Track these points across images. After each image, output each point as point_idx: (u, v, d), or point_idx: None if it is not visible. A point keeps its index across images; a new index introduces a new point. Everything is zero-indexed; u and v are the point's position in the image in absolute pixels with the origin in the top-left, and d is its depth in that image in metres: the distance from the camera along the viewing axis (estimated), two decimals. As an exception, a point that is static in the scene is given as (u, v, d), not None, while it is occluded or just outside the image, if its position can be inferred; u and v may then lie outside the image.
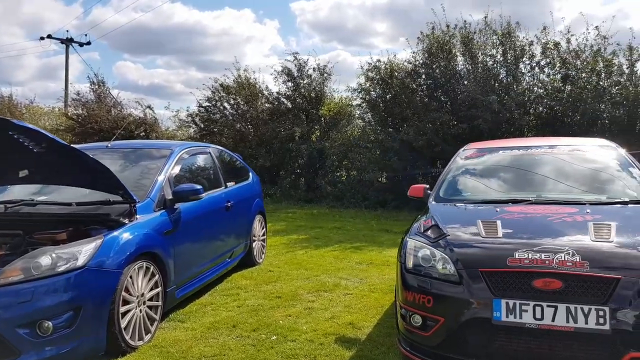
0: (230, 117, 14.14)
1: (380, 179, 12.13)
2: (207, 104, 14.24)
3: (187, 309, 4.61)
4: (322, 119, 13.20)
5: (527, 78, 10.44)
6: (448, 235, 3.33)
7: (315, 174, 13.16)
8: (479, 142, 5.20)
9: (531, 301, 2.78)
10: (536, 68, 10.32)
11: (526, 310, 2.78)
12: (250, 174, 6.77)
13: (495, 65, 10.48)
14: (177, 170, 4.73)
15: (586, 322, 2.67)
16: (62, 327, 3.18)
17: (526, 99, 10.24)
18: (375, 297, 4.91)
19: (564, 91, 9.90)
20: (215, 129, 14.27)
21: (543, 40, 10.24)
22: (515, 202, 3.79)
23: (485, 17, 10.48)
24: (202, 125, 14.45)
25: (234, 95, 14.02)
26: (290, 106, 13.57)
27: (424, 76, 11.01)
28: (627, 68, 9.44)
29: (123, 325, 3.52)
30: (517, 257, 2.95)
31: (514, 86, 10.29)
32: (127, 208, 3.89)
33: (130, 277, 3.63)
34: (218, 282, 5.43)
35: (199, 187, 4.53)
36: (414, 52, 10.99)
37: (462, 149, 4.90)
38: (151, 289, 3.91)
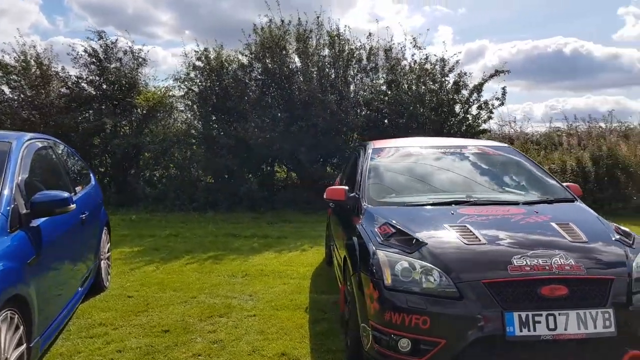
0: (12, 103, 11.26)
1: (206, 178, 11.19)
2: (-24, 85, 11.08)
3: (46, 366, 3.29)
4: (137, 110, 11.52)
5: (356, 81, 10.84)
6: (426, 244, 2.97)
7: (127, 174, 11.46)
8: (382, 141, 5.01)
9: (543, 311, 2.62)
10: (363, 72, 10.79)
11: (539, 322, 2.61)
12: (91, 175, 5.36)
13: (327, 65, 10.59)
14: (26, 172, 3.33)
15: (595, 327, 2.62)
16: None
17: (354, 102, 10.62)
18: (286, 316, 4.28)
19: (388, 95, 10.56)
20: (-9, 118, 11.21)
21: (368, 46, 10.78)
22: (456, 203, 3.66)
23: (318, 17, 10.52)
24: (-31, 113, 11.19)
25: (16, 76, 11.24)
26: (95, 93, 11.49)
27: (260, 70, 10.50)
28: (440, 78, 10.55)
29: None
30: (516, 264, 2.77)
31: (345, 88, 10.58)
32: (-28, 230, 2.53)
33: (-8, 337, 2.34)
34: (67, 320, 4.08)
35: (65, 194, 3.26)
36: (247, 44, 10.39)
37: (369, 147, 4.61)
38: (15, 347, 2.61)
